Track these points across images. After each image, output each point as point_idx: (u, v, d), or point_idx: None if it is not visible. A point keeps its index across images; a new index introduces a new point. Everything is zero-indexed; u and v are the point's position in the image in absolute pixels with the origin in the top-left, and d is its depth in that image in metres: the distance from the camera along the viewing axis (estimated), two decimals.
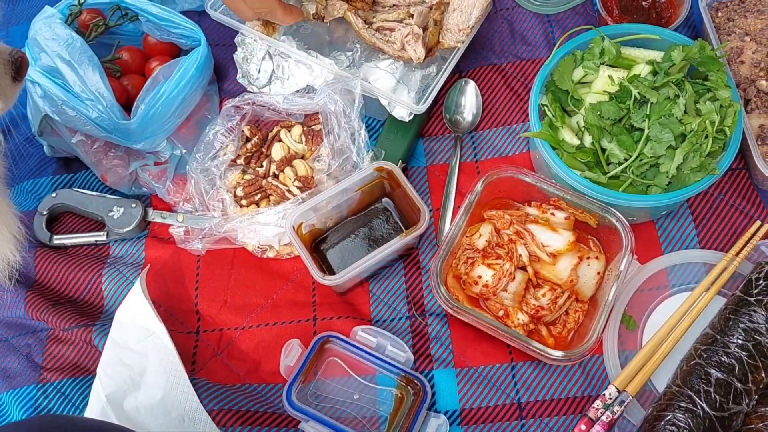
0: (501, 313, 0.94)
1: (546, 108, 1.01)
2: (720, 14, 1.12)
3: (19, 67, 0.82)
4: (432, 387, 0.94)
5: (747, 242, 0.97)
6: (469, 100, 1.14)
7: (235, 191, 1.03)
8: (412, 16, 1.06)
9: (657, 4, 1.15)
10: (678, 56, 0.96)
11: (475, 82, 1.16)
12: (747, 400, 0.85)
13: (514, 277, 0.92)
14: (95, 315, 1.00)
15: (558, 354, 0.86)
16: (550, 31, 1.19)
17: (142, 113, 0.99)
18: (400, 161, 1.07)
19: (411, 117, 1.04)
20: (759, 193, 1.04)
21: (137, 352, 0.91)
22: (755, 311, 0.88)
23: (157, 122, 1.00)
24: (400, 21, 1.07)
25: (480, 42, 1.19)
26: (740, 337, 0.87)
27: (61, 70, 1.00)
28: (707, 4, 1.11)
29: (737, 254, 0.96)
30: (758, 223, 0.98)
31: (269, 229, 0.98)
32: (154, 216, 1.06)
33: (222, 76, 1.19)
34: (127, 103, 1.14)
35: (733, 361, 0.86)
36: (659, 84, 0.94)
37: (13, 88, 0.83)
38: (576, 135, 0.99)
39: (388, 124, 1.09)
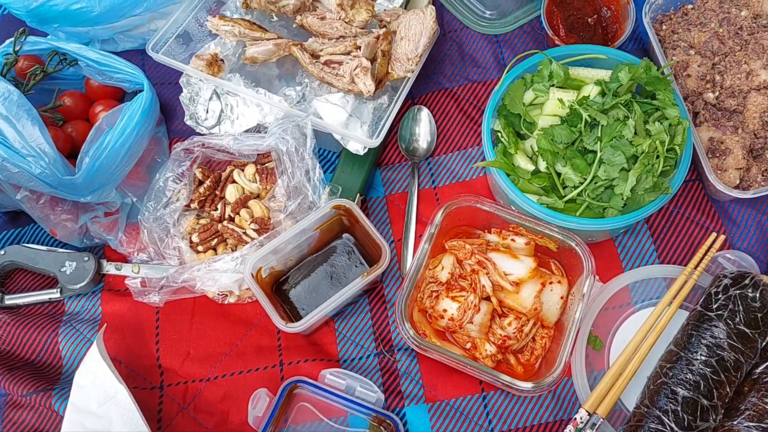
0: (468, 345, 0.94)
1: (499, 134, 1.01)
2: (664, 27, 1.13)
3: None
4: (405, 424, 0.93)
5: (704, 255, 0.98)
6: (424, 127, 1.13)
7: (190, 238, 1.01)
8: (359, 48, 1.04)
9: (602, 19, 1.15)
10: (625, 77, 0.96)
11: (428, 107, 1.15)
12: (714, 416, 0.86)
13: (479, 309, 0.92)
14: (54, 378, 0.96)
15: (527, 386, 0.86)
16: (500, 52, 1.19)
17: (87, 166, 0.96)
18: (358, 194, 1.05)
19: (366, 150, 1.03)
20: (713, 203, 1.06)
21: (100, 416, 0.88)
22: (716, 326, 0.89)
23: (104, 174, 0.97)
24: (348, 53, 1.05)
25: (431, 66, 1.18)
26: (703, 353, 0.88)
27: (1, 128, 0.96)
28: (651, 17, 1.13)
29: (696, 267, 0.97)
30: (714, 234, 0.99)
31: (228, 276, 0.96)
32: (109, 268, 1.03)
33: (170, 116, 1.17)
34: (72, 151, 1.10)
35: (698, 378, 0.87)
36: (608, 106, 0.95)
37: None
38: (531, 159, 0.99)
39: (344, 157, 1.07)
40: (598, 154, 0.94)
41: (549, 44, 1.17)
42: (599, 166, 0.93)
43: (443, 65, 1.19)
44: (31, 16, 1.07)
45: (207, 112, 1.07)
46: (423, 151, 1.12)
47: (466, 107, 1.16)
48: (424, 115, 1.14)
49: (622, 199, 0.92)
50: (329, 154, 1.13)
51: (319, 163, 1.11)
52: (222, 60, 1.06)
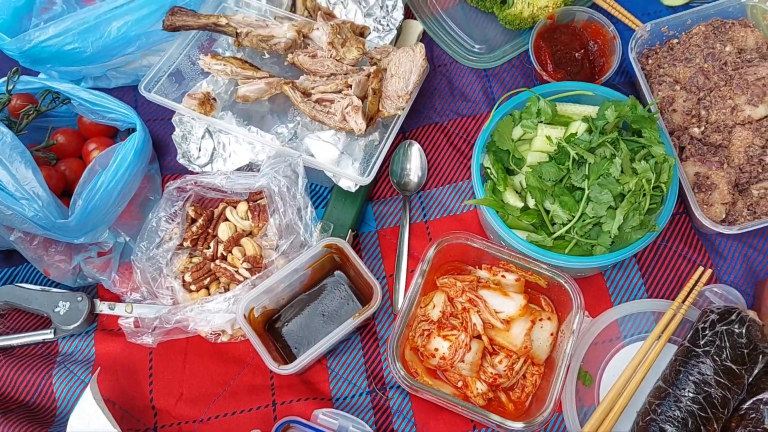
0: (460, 383, 0.95)
1: (489, 170, 1.02)
2: (650, 61, 1.15)
3: None
4: None
5: (692, 289, 0.99)
6: (414, 161, 1.14)
7: (183, 277, 1.02)
8: (350, 86, 1.06)
9: (589, 53, 1.17)
10: (611, 115, 0.98)
11: (419, 141, 1.16)
12: None
13: (470, 348, 0.93)
14: (48, 420, 0.97)
15: (518, 426, 0.87)
16: (489, 86, 1.20)
17: (81, 209, 0.97)
18: (350, 230, 1.06)
19: (357, 187, 1.04)
20: (700, 236, 1.07)
21: None
22: (703, 362, 0.90)
23: (97, 215, 0.98)
24: (339, 92, 1.07)
25: (421, 100, 1.19)
26: (691, 390, 0.89)
27: None
28: (637, 52, 1.14)
29: (683, 301, 0.98)
30: (701, 269, 1.01)
31: (221, 316, 0.96)
32: (102, 307, 1.03)
33: (162, 152, 1.17)
34: (66, 189, 1.11)
35: (685, 414, 0.88)
36: (595, 144, 0.96)
37: None
38: (520, 195, 1.01)
39: (335, 194, 1.08)
40: (586, 192, 0.95)
41: (537, 78, 1.18)
42: (587, 204, 0.94)
43: (433, 99, 1.20)
44: (24, 56, 1.07)
45: (199, 150, 1.08)
46: (414, 185, 1.13)
47: (456, 141, 1.17)
48: (415, 150, 1.15)
49: (610, 237, 0.93)
50: (321, 189, 1.14)
51: (312, 198, 1.13)
52: (214, 99, 1.07)
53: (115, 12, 1.06)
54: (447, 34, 1.24)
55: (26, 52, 1.06)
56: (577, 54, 1.16)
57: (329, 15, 1.24)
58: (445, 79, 1.22)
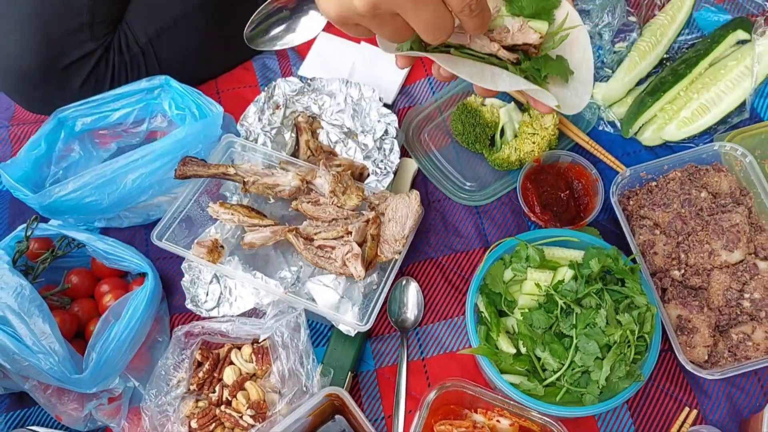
0: None
1: (482, 315, 1.08)
2: (631, 202, 1.22)
3: None
4: None
5: (678, 430, 1.04)
6: (411, 299, 1.20)
7: (189, 423, 1.06)
8: (350, 233, 1.12)
9: (574, 192, 1.25)
10: (595, 266, 1.04)
11: (415, 276, 1.23)
12: None
13: None
14: None
15: None
16: (480, 223, 1.27)
17: (95, 362, 1.01)
18: (350, 372, 1.11)
19: (356, 332, 1.09)
20: (686, 375, 1.12)
21: None
22: None
23: (110, 366, 1.03)
24: (340, 238, 1.13)
25: (417, 236, 1.26)
26: None
27: (12, 322, 1.02)
28: (619, 194, 1.22)
29: None
30: (687, 409, 1.05)
31: None
32: None
33: (171, 291, 1.23)
34: (78, 330, 1.16)
35: None
36: (581, 295, 1.02)
37: None
38: (512, 340, 1.06)
39: (335, 336, 1.14)
40: (574, 341, 1.00)
41: (526, 217, 1.25)
42: (575, 353, 1.00)
43: (428, 235, 1.27)
44: (44, 209, 1.14)
45: (207, 294, 1.14)
46: (411, 323, 1.19)
47: (451, 277, 1.23)
48: (412, 288, 1.21)
49: (598, 386, 0.98)
50: (322, 327, 1.20)
51: (312, 336, 1.18)
52: (222, 246, 1.14)
53: (131, 165, 1.13)
54: (440, 172, 1.32)
55: (46, 206, 1.13)
56: (562, 194, 1.24)
57: (331, 153, 1.32)
58: (439, 215, 1.29)
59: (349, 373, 1.11)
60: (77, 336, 1.16)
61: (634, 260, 1.06)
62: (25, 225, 1.15)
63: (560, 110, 0.86)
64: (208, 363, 1.10)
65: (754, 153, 1.23)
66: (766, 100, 1.31)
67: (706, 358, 1.07)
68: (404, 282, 1.21)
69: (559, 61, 0.88)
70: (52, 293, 1.15)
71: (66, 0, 1.20)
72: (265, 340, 1.11)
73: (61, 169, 1.24)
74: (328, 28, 1.51)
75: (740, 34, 1.31)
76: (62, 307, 1.15)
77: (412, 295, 1.20)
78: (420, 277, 1.23)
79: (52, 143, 1.23)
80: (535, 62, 0.87)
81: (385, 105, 1.31)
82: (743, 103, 1.26)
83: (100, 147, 1.30)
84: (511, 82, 0.83)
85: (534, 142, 1.24)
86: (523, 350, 1.04)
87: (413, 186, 1.33)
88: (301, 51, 1.50)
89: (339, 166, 1.24)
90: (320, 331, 1.19)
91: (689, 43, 1.38)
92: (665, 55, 1.37)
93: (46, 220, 1.19)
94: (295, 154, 1.33)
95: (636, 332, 1.00)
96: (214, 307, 1.13)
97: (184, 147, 1.17)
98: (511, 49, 0.86)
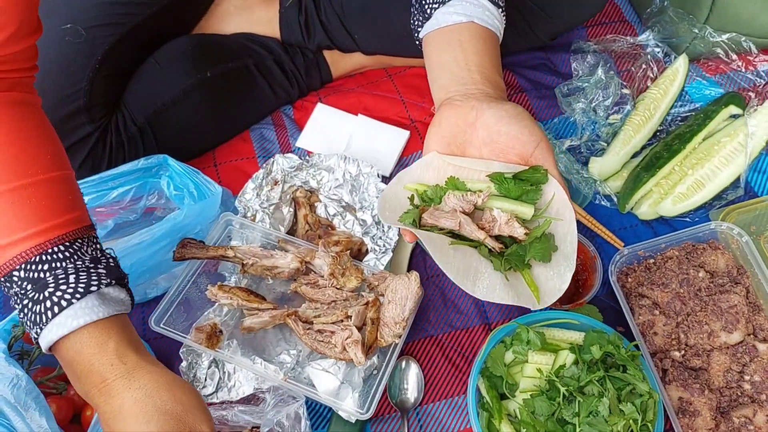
0: None
1: (484, 399, 1.07)
2: (630, 279, 1.22)
3: None
4: None
5: None
6: (412, 380, 1.19)
7: None
8: (350, 317, 1.12)
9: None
10: (597, 352, 1.04)
11: (414, 355, 1.22)
12: None
13: None
14: None
15: None
16: (480, 299, 1.27)
17: None
18: None
19: (356, 419, 1.09)
20: None
21: None
22: None
23: None
24: (339, 322, 1.13)
25: (416, 313, 1.26)
26: None
27: (8, 415, 1.00)
28: (618, 272, 1.22)
29: None
30: None
31: None
32: None
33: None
34: (75, 414, 1.15)
35: None
36: (584, 382, 1.02)
37: None
38: (514, 425, 1.05)
39: (335, 420, 1.12)
40: (577, 429, 1.00)
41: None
42: None
43: (428, 312, 1.27)
44: None
45: (206, 379, 1.12)
46: (411, 403, 1.18)
47: (451, 355, 1.22)
48: (413, 369, 1.20)
49: None
50: (323, 409, 1.18)
51: (311, 417, 1.16)
52: (221, 331, 1.13)
53: (129, 250, 1.13)
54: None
55: None
56: None
57: (329, 226, 1.32)
58: (438, 290, 1.29)
59: None
60: (73, 421, 1.14)
61: (636, 346, 1.06)
62: None
63: (536, 307, 0.88)
64: None
65: (749, 229, 1.25)
66: (761, 175, 1.33)
67: None
68: (404, 364, 1.20)
69: (543, 243, 0.90)
70: (47, 378, 1.13)
71: (64, 84, 1.21)
72: None
73: None
74: (326, 100, 1.53)
75: (732, 109, 1.33)
76: (58, 393, 1.14)
77: (413, 376, 1.20)
78: (420, 355, 1.23)
79: None
80: (521, 248, 0.90)
81: (383, 178, 1.32)
82: (738, 179, 1.27)
83: (98, 224, 1.30)
84: (487, 292, 0.88)
85: None
86: None
87: (411, 260, 1.33)
88: (299, 122, 1.51)
89: (337, 243, 1.24)
90: (321, 413, 1.18)
91: (682, 115, 1.41)
92: (659, 127, 1.39)
93: None
94: (293, 228, 1.33)
95: (639, 422, 1.00)
96: (213, 393, 1.12)
97: (182, 229, 1.16)
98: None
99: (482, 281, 0.89)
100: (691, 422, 1.07)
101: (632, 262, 1.23)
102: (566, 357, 1.07)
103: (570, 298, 1.21)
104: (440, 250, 0.88)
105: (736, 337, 1.11)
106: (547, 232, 0.92)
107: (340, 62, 1.56)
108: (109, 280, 0.86)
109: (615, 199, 1.33)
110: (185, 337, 1.12)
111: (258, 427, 1.10)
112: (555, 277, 0.90)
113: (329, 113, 1.49)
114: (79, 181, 1.24)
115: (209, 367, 1.13)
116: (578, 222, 1.31)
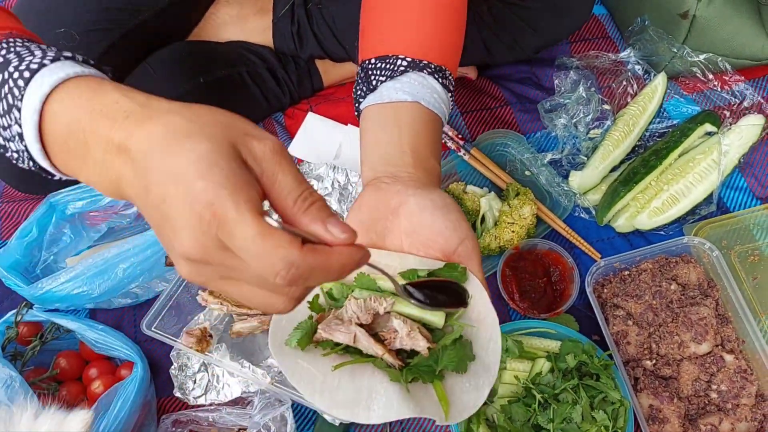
0: None
1: None
2: (605, 290, 1.27)
3: None
4: None
5: None
6: None
7: None
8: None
9: (551, 278, 1.30)
10: (572, 361, 1.09)
11: None
12: None
13: None
14: None
15: None
16: None
17: None
18: None
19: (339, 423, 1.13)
20: None
21: None
22: None
23: None
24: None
25: None
26: None
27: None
28: (594, 282, 1.27)
29: None
30: None
31: None
32: None
33: (158, 373, 1.25)
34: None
35: None
36: (558, 391, 1.07)
37: None
38: (491, 430, 1.10)
39: (320, 423, 1.16)
40: None
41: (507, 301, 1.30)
42: None
43: None
44: (35, 300, 1.16)
45: (195, 382, 1.16)
46: None
47: None
48: None
49: None
50: (308, 411, 1.22)
51: (297, 421, 1.20)
52: (210, 335, 1.17)
53: (123, 255, 1.16)
54: None
55: (38, 297, 1.15)
56: (540, 281, 1.29)
57: None
58: None
59: None
60: None
61: (609, 356, 1.11)
62: (15, 311, 1.17)
63: (444, 423, 0.73)
64: None
65: (721, 243, 1.30)
66: (733, 191, 1.39)
67: None
68: None
69: (458, 351, 0.76)
70: (40, 379, 1.16)
71: None
72: None
73: (52, 254, 1.27)
74: (316, 109, 1.57)
75: (708, 127, 1.38)
76: (50, 394, 1.17)
77: None
78: None
79: (43, 228, 1.25)
80: (431, 356, 0.76)
81: None
82: (711, 195, 1.33)
83: (90, 227, 1.33)
84: (384, 413, 0.71)
85: (513, 231, 1.29)
86: None
87: None
88: (290, 129, 1.55)
89: None
90: (306, 416, 1.22)
91: (660, 131, 1.46)
92: (637, 143, 1.44)
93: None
94: None
95: (610, 428, 1.05)
96: (201, 395, 1.15)
97: None
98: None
99: (378, 401, 0.72)
100: (660, 429, 1.13)
101: (608, 273, 1.28)
102: (543, 365, 1.12)
103: (548, 308, 1.26)
104: (320, 387, 0.73)
105: (705, 348, 1.17)
106: (466, 338, 0.78)
107: (331, 71, 1.59)
108: (82, 58, 0.70)
109: (593, 212, 1.37)
110: (176, 341, 1.15)
111: (245, 429, 1.14)
112: (472, 390, 0.76)
113: (319, 122, 1.53)
114: (73, 186, 1.28)
115: (198, 371, 1.17)
116: (557, 233, 1.36)
